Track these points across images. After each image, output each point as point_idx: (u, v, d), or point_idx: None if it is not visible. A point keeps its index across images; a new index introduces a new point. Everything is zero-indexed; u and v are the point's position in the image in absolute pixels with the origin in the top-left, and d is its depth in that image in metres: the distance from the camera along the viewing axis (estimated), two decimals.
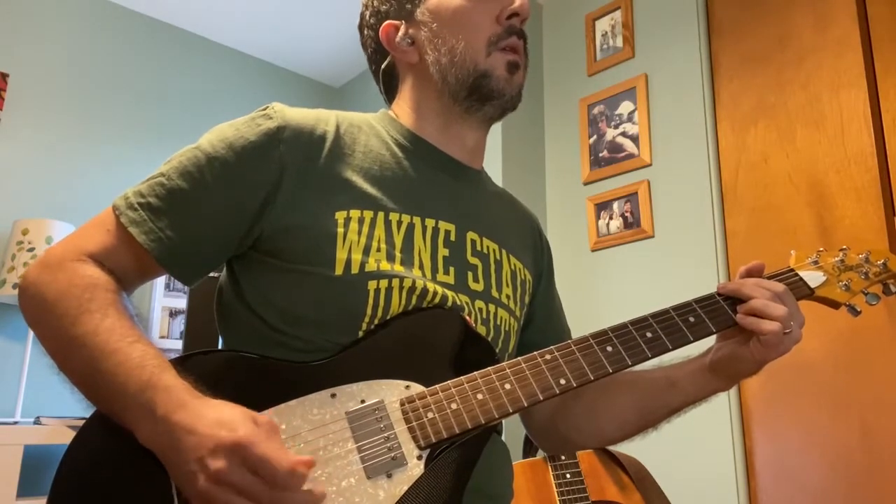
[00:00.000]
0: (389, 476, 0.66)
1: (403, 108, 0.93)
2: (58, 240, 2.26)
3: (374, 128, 0.89)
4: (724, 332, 0.82)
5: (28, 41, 2.60)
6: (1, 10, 2.55)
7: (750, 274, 0.85)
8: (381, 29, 0.92)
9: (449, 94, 0.88)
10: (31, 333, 2.22)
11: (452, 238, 0.85)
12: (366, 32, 0.97)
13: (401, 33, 0.90)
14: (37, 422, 2.06)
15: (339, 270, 0.75)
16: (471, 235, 0.87)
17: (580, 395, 0.93)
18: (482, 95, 0.87)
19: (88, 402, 0.68)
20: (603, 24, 2.40)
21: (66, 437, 1.95)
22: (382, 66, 0.96)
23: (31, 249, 2.22)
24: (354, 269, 0.75)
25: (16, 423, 2.07)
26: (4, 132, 2.48)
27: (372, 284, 0.75)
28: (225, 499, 0.56)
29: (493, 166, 2.36)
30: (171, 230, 0.74)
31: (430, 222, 0.83)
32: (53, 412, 2.15)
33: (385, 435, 0.68)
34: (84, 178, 2.64)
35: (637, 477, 1.46)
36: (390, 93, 0.98)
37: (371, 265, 0.76)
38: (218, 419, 0.59)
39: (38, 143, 2.56)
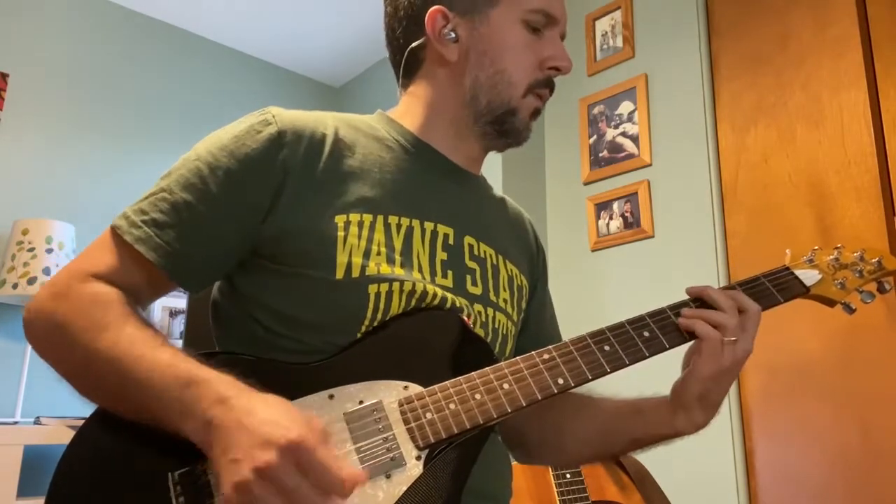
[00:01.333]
0: (388, 477, 0.66)
1: (412, 103, 0.91)
2: (58, 240, 2.27)
3: (374, 129, 0.89)
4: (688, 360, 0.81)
5: (28, 41, 2.60)
6: (1, 10, 2.55)
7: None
8: (430, 10, 0.86)
9: (473, 111, 0.87)
10: None
11: (450, 242, 0.84)
12: None
13: (450, 25, 0.87)
14: (37, 422, 2.07)
15: (339, 274, 0.75)
16: (468, 240, 0.87)
17: (552, 408, 0.92)
18: (502, 130, 0.88)
19: (122, 415, 0.66)
20: (603, 24, 2.40)
21: (66, 437, 1.95)
22: (412, 45, 0.89)
23: (31, 249, 2.22)
24: (355, 273, 0.75)
25: (16, 423, 2.07)
26: (4, 132, 2.48)
27: (373, 288, 0.75)
28: (262, 493, 0.54)
29: (494, 167, 2.36)
30: (178, 243, 0.73)
31: (428, 225, 0.83)
32: (53, 412, 2.15)
33: (384, 436, 0.68)
34: (84, 178, 2.64)
35: (637, 477, 1.46)
36: (406, 76, 0.93)
37: (371, 269, 0.76)
38: (272, 417, 0.57)
39: (38, 143, 2.56)
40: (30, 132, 2.54)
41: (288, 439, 0.55)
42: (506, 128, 0.88)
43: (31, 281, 2.18)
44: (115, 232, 0.75)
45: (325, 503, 0.55)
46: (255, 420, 0.57)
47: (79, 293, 0.70)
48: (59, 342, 0.69)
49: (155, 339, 0.67)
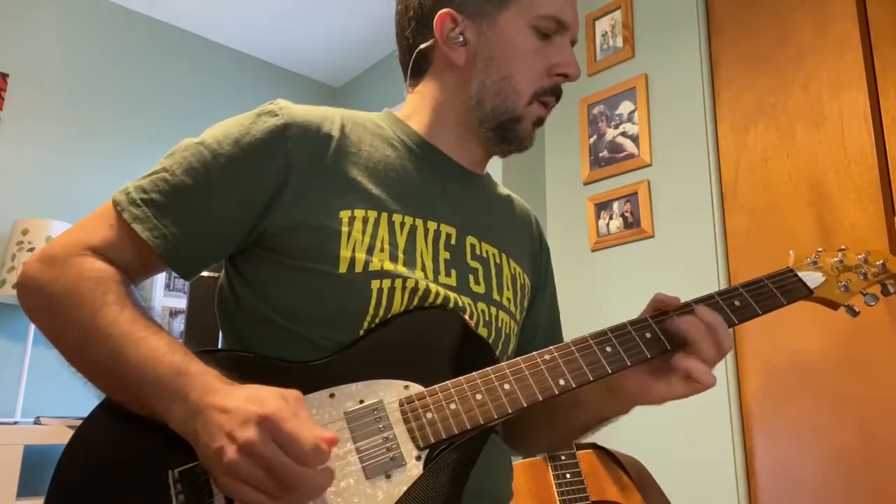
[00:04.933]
0: (388, 476, 0.66)
1: (419, 104, 0.91)
2: None
3: (380, 127, 0.89)
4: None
5: (28, 41, 2.60)
6: (1, 10, 2.55)
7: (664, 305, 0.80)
8: (439, 12, 0.86)
9: (477, 116, 0.87)
10: (31, 334, 2.23)
11: (453, 241, 0.85)
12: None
13: (458, 29, 0.86)
14: (37, 422, 2.06)
15: (342, 269, 0.75)
16: (470, 240, 0.87)
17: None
18: (504, 136, 0.88)
19: (106, 393, 0.68)
20: (603, 24, 2.40)
21: (66, 437, 1.93)
22: (421, 46, 0.89)
23: (31, 249, 2.22)
24: (358, 268, 0.75)
25: (16, 423, 2.06)
26: (4, 132, 2.48)
27: (375, 284, 0.75)
28: (250, 471, 0.56)
29: (494, 167, 2.34)
30: (175, 227, 0.74)
31: (431, 225, 0.83)
32: (53, 412, 2.15)
33: (384, 435, 0.68)
34: (84, 178, 2.64)
35: (637, 477, 1.46)
36: (414, 75, 0.93)
37: (375, 265, 0.76)
38: (248, 395, 0.59)
39: (38, 143, 2.56)
40: (30, 132, 2.54)
41: (261, 413, 0.57)
42: (508, 135, 0.88)
43: None
44: (114, 206, 0.75)
45: (304, 472, 0.57)
46: (233, 402, 0.59)
47: (77, 266, 0.70)
48: (55, 314, 0.70)
49: (153, 324, 0.68)
